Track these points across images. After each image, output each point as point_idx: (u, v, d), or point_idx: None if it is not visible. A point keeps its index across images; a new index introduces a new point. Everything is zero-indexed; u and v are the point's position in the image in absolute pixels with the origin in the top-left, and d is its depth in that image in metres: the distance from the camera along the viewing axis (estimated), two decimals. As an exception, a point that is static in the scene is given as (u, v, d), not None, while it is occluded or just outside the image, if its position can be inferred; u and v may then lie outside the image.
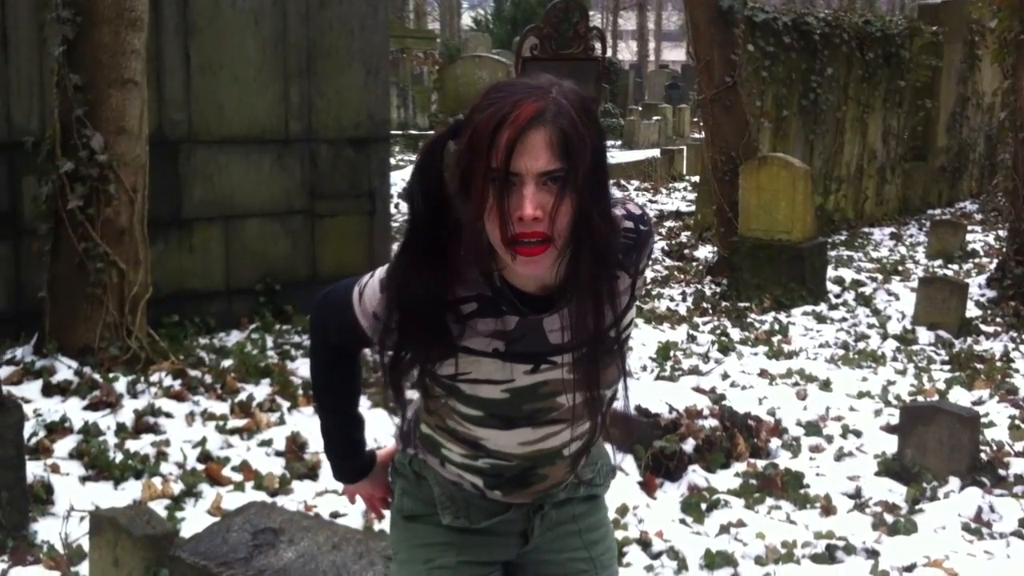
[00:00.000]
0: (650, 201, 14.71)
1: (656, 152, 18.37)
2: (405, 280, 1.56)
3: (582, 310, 1.55)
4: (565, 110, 1.46)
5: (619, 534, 3.80)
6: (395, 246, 1.57)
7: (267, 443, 4.66)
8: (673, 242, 11.11)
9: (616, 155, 19.03)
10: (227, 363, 5.83)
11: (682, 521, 4.04)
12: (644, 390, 4.83)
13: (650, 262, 1.72)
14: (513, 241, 1.45)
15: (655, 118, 22.33)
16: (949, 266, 10.18)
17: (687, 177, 17.20)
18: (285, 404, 5.17)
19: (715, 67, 9.35)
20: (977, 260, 10.50)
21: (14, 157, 5.95)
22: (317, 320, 1.79)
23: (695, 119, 21.39)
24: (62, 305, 5.53)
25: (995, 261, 9.26)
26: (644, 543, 3.78)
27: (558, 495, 1.80)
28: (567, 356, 1.61)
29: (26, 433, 4.02)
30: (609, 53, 23.09)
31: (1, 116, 5.97)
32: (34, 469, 4.05)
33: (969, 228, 11.92)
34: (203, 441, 4.59)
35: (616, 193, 1.62)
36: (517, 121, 1.43)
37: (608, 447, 1.89)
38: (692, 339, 7.03)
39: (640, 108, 24.38)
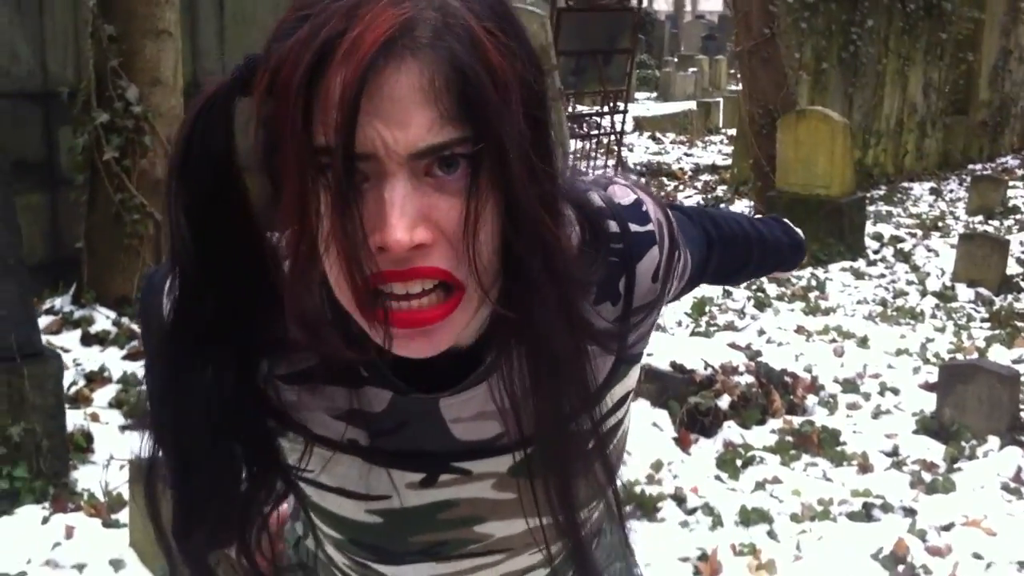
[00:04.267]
0: (686, 154, 14.57)
1: (692, 104, 18.17)
2: (178, 395, 0.86)
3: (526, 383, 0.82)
4: (457, 19, 0.72)
5: (654, 489, 3.80)
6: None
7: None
8: (709, 196, 11.02)
9: (651, 107, 18.84)
10: (262, 314, 5.84)
11: (717, 477, 4.02)
12: (679, 346, 4.80)
13: (673, 285, 0.96)
14: (375, 295, 0.73)
15: (691, 70, 22.06)
16: (990, 222, 10.02)
17: (723, 130, 17.02)
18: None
19: (753, 18, 9.20)
20: (1018, 216, 10.33)
21: (50, 107, 5.96)
22: None
23: (732, 71, 21.12)
24: (99, 255, 5.56)
25: (1037, 217, 9.11)
26: (679, 498, 3.78)
27: None
28: (493, 462, 0.90)
29: (65, 383, 4.05)
30: (645, 3, 22.77)
31: (36, 66, 5.97)
32: (74, 418, 4.08)
33: (1010, 184, 11.72)
34: (239, 392, 4.61)
35: (588, 173, 0.98)
36: (359, 49, 0.68)
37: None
38: (728, 294, 6.97)
39: (676, 60, 24.10)
